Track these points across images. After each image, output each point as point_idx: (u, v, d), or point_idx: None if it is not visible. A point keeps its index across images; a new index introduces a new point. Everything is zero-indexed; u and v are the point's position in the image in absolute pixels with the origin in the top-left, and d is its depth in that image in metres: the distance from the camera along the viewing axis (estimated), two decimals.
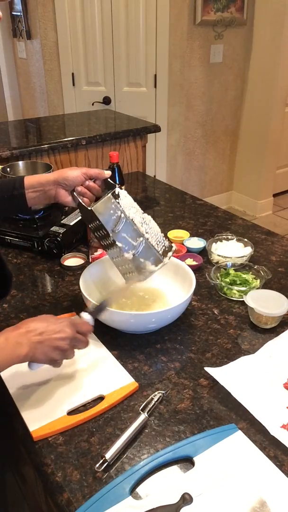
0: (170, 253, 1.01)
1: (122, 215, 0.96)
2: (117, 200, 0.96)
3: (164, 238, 1.01)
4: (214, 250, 1.33)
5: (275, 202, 3.96)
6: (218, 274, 1.23)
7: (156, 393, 0.87)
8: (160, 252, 0.99)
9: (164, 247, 1.00)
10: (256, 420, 0.81)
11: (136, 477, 0.70)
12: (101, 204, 0.97)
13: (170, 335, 1.04)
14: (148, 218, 1.00)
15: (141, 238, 0.96)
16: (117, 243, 0.97)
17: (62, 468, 0.74)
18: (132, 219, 0.97)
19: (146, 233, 0.98)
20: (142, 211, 1.00)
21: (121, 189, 0.98)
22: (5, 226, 1.44)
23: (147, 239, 0.97)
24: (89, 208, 0.98)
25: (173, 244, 1.03)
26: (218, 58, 3.25)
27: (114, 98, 3.20)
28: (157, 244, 0.99)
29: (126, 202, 0.98)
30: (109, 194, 0.97)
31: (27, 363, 0.81)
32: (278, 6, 3.13)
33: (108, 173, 1.04)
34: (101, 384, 0.89)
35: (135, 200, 1.01)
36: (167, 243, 1.01)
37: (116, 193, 0.97)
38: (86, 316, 0.90)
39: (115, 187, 0.99)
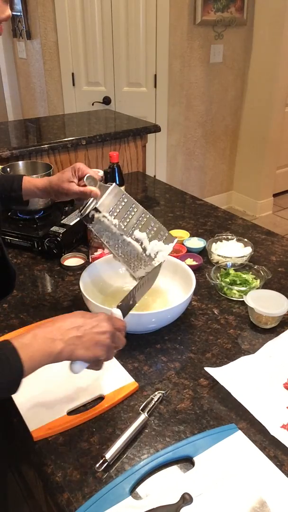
0: (147, 269, 1.01)
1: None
2: (89, 225, 0.98)
3: (142, 257, 1.00)
4: (214, 250, 1.33)
5: (275, 202, 3.96)
6: (218, 274, 1.23)
7: (156, 393, 0.87)
8: (133, 272, 1.00)
9: (140, 266, 1.01)
10: (256, 420, 0.81)
11: (136, 477, 0.70)
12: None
13: (170, 335, 1.04)
14: (126, 241, 0.97)
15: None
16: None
17: (62, 468, 0.74)
18: (105, 243, 0.99)
19: (120, 255, 0.99)
20: (122, 233, 0.97)
21: (98, 211, 0.96)
22: (5, 226, 1.44)
23: (120, 259, 1.00)
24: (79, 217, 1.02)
25: (155, 262, 1.01)
26: (218, 58, 3.25)
27: (114, 98, 3.20)
28: (129, 266, 1.00)
29: (100, 227, 0.97)
30: (81, 218, 0.98)
31: (68, 366, 0.74)
32: (278, 6, 3.13)
33: (95, 193, 0.97)
34: (101, 384, 0.89)
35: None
36: (147, 259, 1.00)
37: (90, 216, 0.96)
38: (118, 312, 0.83)
39: (94, 203, 0.96)
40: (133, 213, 1.00)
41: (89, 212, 0.96)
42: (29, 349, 0.66)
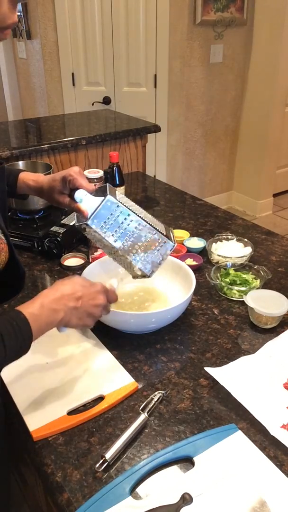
0: (137, 278, 1.01)
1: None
2: (84, 233, 0.98)
3: (134, 268, 0.98)
4: (214, 250, 1.33)
5: (275, 202, 3.96)
6: (218, 274, 1.23)
7: (156, 393, 0.87)
8: (128, 271, 1.01)
9: (133, 270, 0.99)
10: (256, 420, 0.80)
11: (136, 477, 0.70)
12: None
13: (170, 335, 1.04)
14: (119, 253, 0.96)
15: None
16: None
17: (62, 468, 0.74)
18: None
19: (115, 260, 1.00)
20: (113, 246, 0.95)
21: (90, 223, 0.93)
22: None
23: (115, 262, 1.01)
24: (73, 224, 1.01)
25: (147, 275, 0.99)
26: (218, 58, 3.25)
27: (114, 98, 3.20)
28: (124, 268, 1.01)
29: (93, 237, 0.97)
30: (76, 226, 0.98)
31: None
32: (278, 6, 3.13)
33: (84, 215, 0.95)
34: (101, 384, 0.89)
35: (134, 201, 1.01)
36: (138, 272, 0.99)
37: (82, 227, 0.95)
38: (115, 284, 0.92)
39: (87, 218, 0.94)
40: (127, 226, 0.95)
41: (81, 225, 0.95)
42: (38, 321, 0.73)
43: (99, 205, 0.93)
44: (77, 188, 0.96)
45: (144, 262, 0.98)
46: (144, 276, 1.00)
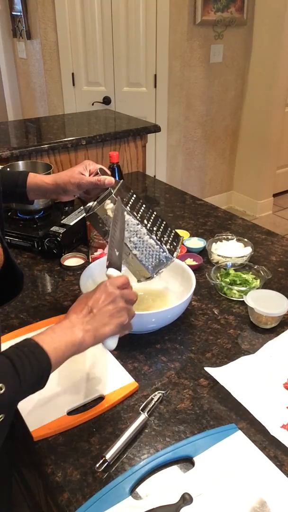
0: (162, 267, 0.98)
1: (109, 229, 0.97)
2: (102, 218, 0.96)
3: (159, 252, 0.97)
4: (214, 250, 1.33)
5: (275, 202, 3.96)
6: (218, 274, 1.23)
7: (156, 393, 0.87)
8: (149, 267, 0.97)
9: (157, 260, 0.97)
10: (256, 420, 0.81)
11: (136, 477, 0.70)
12: (89, 218, 0.98)
13: (170, 335, 1.04)
14: (142, 231, 0.95)
15: (129, 252, 0.97)
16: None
17: (62, 468, 0.74)
18: (116, 237, 0.95)
19: (135, 248, 0.96)
20: (138, 222, 0.95)
21: (111, 202, 0.94)
22: (5, 226, 1.44)
23: (135, 254, 0.96)
24: (85, 215, 0.99)
25: (172, 257, 0.99)
26: (218, 58, 3.25)
27: (114, 98, 3.20)
28: (147, 259, 0.97)
29: (112, 217, 0.96)
30: (94, 211, 0.96)
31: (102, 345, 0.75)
32: (278, 6, 3.13)
33: (109, 181, 0.97)
34: (101, 384, 0.89)
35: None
36: (162, 255, 0.98)
37: (105, 207, 0.95)
38: (112, 272, 0.81)
39: (106, 199, 0.95)
40: (142, 208, 1.00)
41: (105, 202, 0.94)
42: (52, 342, 0.66)
43: (118, 184, 0.97)
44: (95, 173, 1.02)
45: (166, 243, 0.99)
46: (167, 258, 0.98)
